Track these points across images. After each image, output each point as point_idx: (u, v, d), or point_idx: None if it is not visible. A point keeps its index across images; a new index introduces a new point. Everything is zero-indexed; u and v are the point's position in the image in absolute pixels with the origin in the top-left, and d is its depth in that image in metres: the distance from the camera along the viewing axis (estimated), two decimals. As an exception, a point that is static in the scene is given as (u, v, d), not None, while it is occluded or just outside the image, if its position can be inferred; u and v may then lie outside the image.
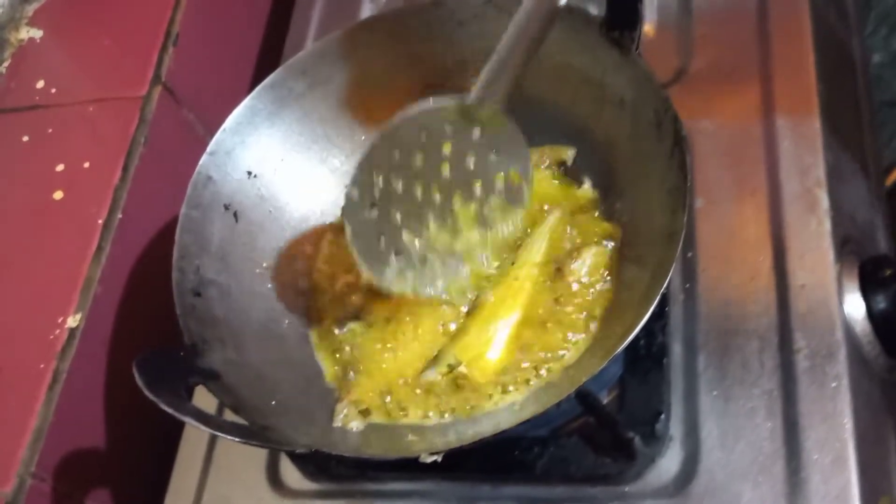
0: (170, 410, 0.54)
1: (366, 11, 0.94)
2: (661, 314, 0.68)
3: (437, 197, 0.67)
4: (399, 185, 0.67)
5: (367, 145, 0.67)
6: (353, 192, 0.66)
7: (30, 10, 0.94)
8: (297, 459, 0.70)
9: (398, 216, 0.67)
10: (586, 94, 0.71)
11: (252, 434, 0.58)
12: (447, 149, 0.66)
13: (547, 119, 0.73)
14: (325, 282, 0.75)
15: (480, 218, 0.67)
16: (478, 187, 0.67)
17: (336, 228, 0.76)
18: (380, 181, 0.66)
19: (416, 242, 0.67)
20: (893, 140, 1.05)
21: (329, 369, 0.70)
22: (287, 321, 0.72)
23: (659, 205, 0.62)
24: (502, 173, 0.66)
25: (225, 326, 0.67)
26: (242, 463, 0.71)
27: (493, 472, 0.66)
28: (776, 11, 0.78)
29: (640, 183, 0.67)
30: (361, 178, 0.66)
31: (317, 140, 0.77)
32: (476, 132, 0.65)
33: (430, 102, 0.65)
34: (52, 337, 0.72)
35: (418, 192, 0.67)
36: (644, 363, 0.66)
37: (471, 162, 0.66)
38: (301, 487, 0.69)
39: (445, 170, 0.66)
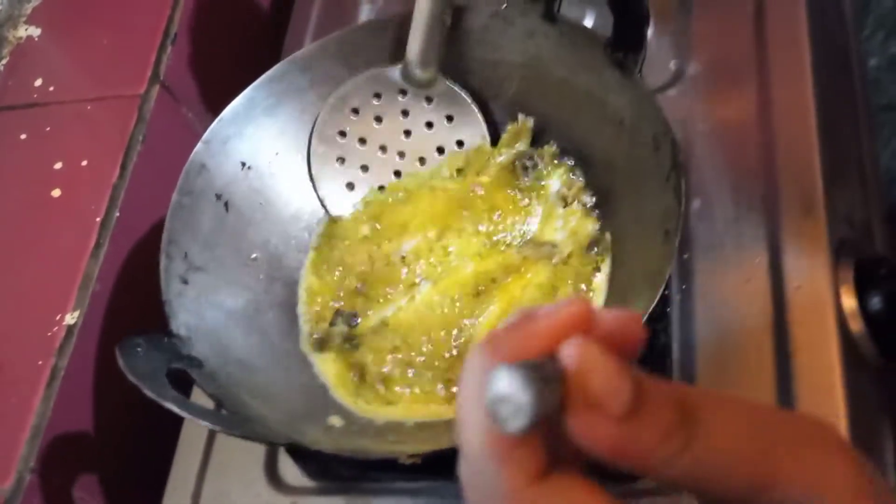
0: (152, 395, 0.55)
1: (364, 12, 0.94)
2: (662, 315, 0.68)
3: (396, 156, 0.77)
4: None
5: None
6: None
7: (28, 7, 0.94)
8: (300, 458, 0.70)
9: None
10: (587, 111, 0.71)
11: (232, 424, 0.58)
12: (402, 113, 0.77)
13: (547, 134, 0.74)
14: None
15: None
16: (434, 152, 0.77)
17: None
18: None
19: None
20: (890, 143, 1.06)
21: (320, 366, 0.71)
22: (271, 314, 0.72)
23: (652, 227, 0.63)
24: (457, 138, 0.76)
25: (210, 315, 0.68)
26: (241, 459, 0.71)
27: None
28: (774, 14, 0.78)
29: (635, 203, 0.68)
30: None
31: (313, 137, 0.77)
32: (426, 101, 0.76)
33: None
34: (49, 334, 0.72)
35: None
36: (646, 364, 0.66)
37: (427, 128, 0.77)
38: (299, 484, 0.69)
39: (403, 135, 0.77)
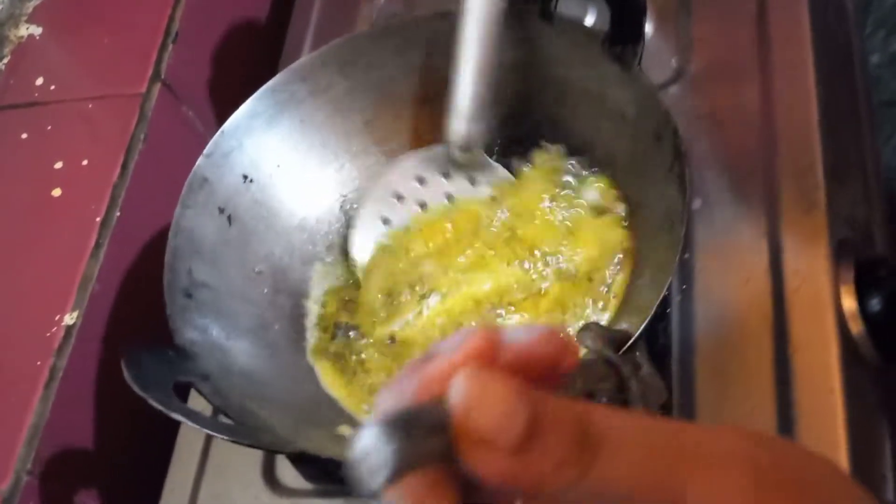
0: (159, 407, 0.55)
1: (364, 11, 0.94)
2: (662, 316, 0.67)
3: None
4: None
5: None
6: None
7: (29, 6, 0.94)
8: (300, 463, 0.70)
9: None
10: (586, 107, 0.71)
11: (242, 434, 0.58)
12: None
13: (546, 132, 0.74)
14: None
15: None
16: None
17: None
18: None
19: None
20: (892, 140, 1.06)
21: (325, 376, 0.71)
22: (277, 326, 0.72)
23: (657, 219, 0.63)
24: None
25: (215, 329, 0.67)
26: (238, 461, 0.71)
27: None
28: (775, 12, 0.78)
29: (639, 197, 0.67)
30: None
31: (314, 147, 0.77)
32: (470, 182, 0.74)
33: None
34: (48, 334, 0.72)
35: None
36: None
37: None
38: (297, 486, 0.69)
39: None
